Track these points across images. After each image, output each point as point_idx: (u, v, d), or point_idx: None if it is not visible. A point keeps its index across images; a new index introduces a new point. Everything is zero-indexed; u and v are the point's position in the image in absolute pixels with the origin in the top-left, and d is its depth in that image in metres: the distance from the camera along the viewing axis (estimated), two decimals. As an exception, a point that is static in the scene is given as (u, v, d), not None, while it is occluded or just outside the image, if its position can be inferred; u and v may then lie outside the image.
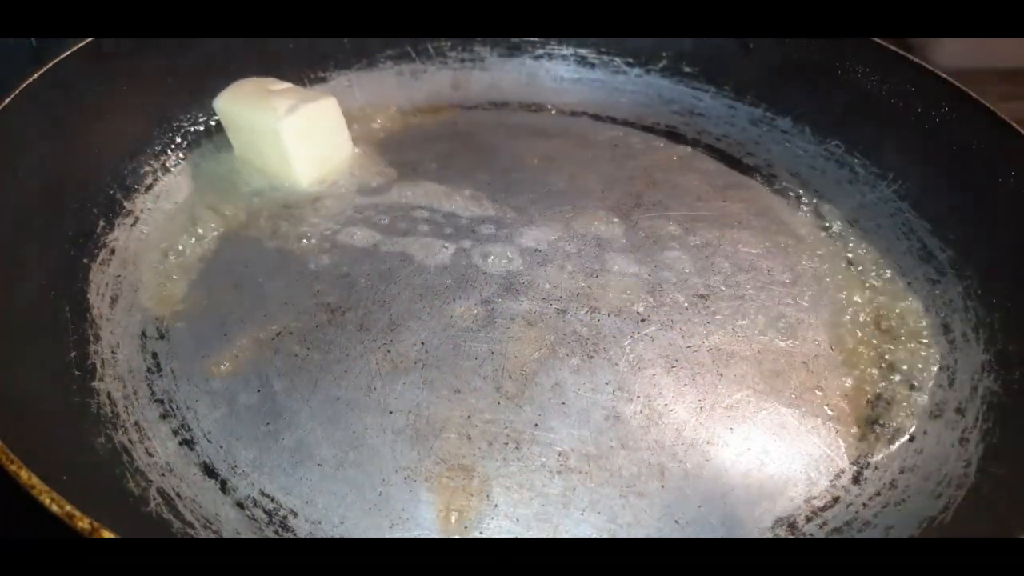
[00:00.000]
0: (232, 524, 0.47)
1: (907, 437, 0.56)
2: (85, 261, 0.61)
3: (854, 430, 0.56)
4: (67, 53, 0.63)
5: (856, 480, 0.53)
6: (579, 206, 0.71)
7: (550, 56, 0.89)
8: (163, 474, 0.49)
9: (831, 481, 0.53)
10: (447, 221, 0.69)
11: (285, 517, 0.48)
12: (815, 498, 0.52)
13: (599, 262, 0.66)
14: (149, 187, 0.68)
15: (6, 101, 0.57)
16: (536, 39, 0.88)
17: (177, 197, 0.68)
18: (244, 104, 0.68)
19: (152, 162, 0.67)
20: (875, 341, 0.62)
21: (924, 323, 0.63)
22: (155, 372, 0.55)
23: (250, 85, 0.70)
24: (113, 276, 0.61)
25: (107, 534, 0.37)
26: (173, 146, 0.71)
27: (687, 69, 0.86)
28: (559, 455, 0.52)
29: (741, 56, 0.84)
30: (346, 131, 0.73)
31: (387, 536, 0.47)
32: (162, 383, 0.55)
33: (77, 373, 0.53)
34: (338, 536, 0.47)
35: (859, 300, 0.65)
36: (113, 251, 0.63)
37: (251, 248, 0.65)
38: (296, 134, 0.67)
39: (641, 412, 0.55)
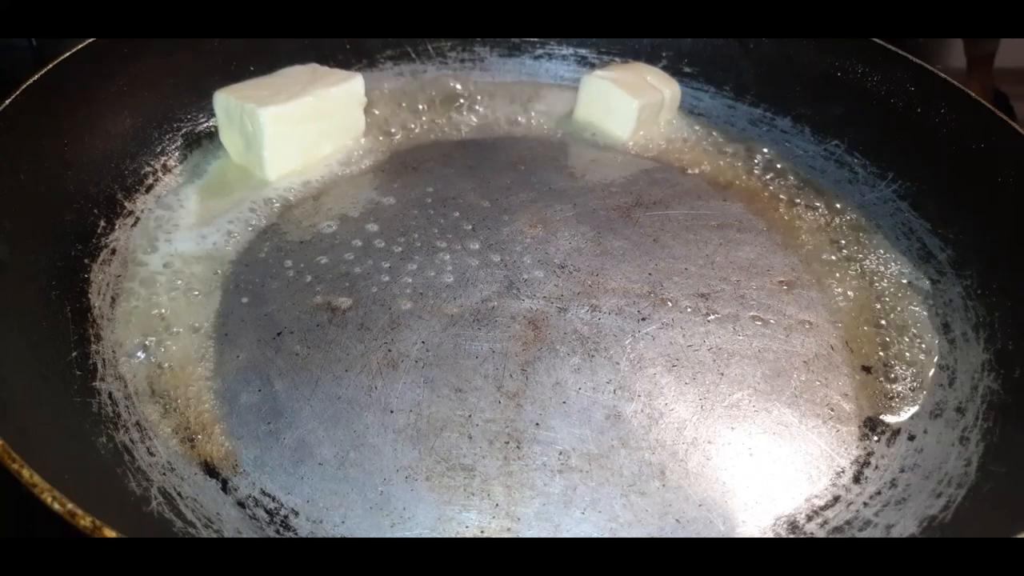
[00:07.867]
0: (233, 523, 0.47)
1: (907, 436, 0.56)
2: (86, 261, 0.60)
3: (854, 429, 0.56)
4: (67, 53, 0.63)
5: (857, 479, 0.53)
6: (579, 205, 0.71)
7: (550, 56, 0.89)
8: (164, 473, 0.49)
9: (832, 480, 0.53)
10: (447, 220, 0.69)
11: (286, 516, 0.48)
12: (816, 497, 0.52)
13: (600, 261, 0.66)
14: (149, 187, 0.68)
15: (6, 101, 0.57)
16: (536, 39, 0.88)
17: (177, 197, 0.67)
18: None
19: (152, 162, 0.67)
20: (875, 340, 0.62)
21: (924, 323, 0.63)
22: (156, 371, 0.55)
23: None
24: (114, 276, 0.61)
25: (109, 533, 0.37)
26: (173, 146, 0.71)
27: (687, 69, 0.86)
28: (560, 454, 0.52)
29: (741, 56, 0.84)
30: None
31: (388, 536, 0.47)
32: (163, 382, 0.55)
33: (78, 373, 0.53)
34: (339, 536, 0.47)
35: (859, 299, 0.65)
36: (114, 251, 0.62)
37: (251, 248, 0.65)
38: None
39: (642, 411, 0.55)
